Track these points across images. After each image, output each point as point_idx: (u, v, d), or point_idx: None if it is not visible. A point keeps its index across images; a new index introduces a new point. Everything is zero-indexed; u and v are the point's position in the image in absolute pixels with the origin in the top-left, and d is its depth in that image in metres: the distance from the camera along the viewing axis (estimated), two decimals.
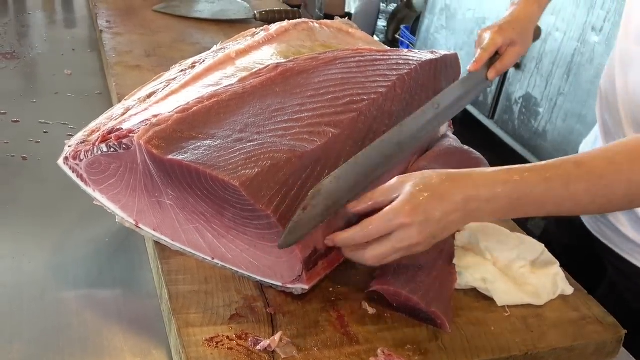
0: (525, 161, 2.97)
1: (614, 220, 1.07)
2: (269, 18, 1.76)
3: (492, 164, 0.92)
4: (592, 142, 1.21)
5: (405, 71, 1.08)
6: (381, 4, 5.02)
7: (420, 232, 0.72)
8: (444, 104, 1.04)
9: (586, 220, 1.15)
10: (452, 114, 1.09)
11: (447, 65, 1.24)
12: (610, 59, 1.10)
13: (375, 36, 4.87)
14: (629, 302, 1.06)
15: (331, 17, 1.43)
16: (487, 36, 1.14)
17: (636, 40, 0.99)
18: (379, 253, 0.74)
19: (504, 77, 3.16)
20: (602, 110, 1.12)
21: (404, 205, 0.72)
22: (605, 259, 1.14)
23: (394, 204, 0.73)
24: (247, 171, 0.75)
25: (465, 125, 3.45)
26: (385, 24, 5.12)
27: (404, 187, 0.74)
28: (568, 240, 1.19)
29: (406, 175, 0.76)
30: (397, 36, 4.53)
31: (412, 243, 0.73)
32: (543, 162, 0.76)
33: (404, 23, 4.62)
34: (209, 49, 1.17)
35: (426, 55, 1.18)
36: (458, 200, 0.73)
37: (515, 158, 3.13)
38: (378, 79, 1.04)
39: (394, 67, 1.09)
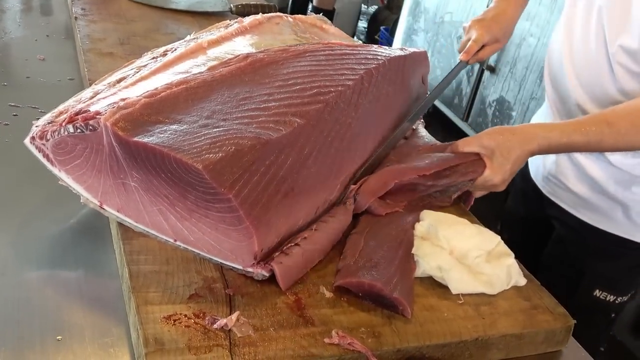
0: None
1: (563, 178, 1.26)
2: (245, 11, 1.78)
3: None
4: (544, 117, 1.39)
5: (373, 65, 1.11)
6: (362, 6, 5.05)
7: (506, 182, 1.05)
8: (439, 88, 1.34)
9: (539, 183, 1.34)
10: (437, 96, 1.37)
11: (415, 62, 1.27)
12: (555, 30, 1.29)
13: (355, 37, 4.90)
14: (572, 253, 1.24)
15: (319, 11, 1.48)
16: (475, 31, 1.34)
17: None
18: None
19: (478, 80, 3.21)
20: (553, 87, 1.28)
21: (497, 171, 1.03)
22: (553, 218, 1.32)
23: (490, 168, 1.03)
24: (211, 155, 0.77)
25: (440, 127, 3.49)
26: (366, 25, 5.16)
27: (493, 151, 1.02)
28: (523, 210, 1.42)
29: (488, 137, 1.03)
30: (376, 37, 4.57)
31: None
32: (582, 121, 1.03)
33: (385, 24, 4.65)
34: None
35: (395, 52, 1.21)
36: (532, 152, 1.02)
37: None
38: (346, 72, 1.07)
39: (363, 62, 1.11)
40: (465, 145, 1.05)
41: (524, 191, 1.40)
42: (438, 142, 1.19)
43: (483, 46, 1.35)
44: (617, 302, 1.26)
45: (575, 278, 1.10)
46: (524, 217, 1.43)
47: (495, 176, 1.03)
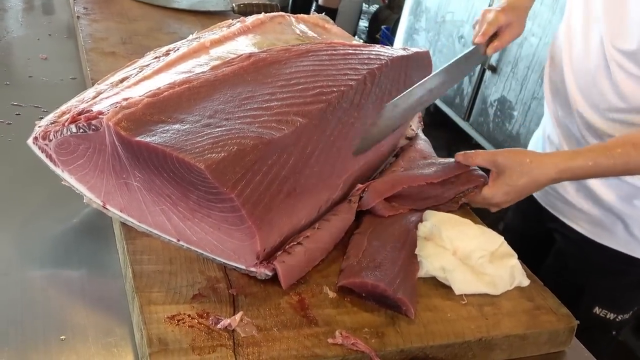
0: None
1: (562, 191, 1.23)
2: (247, 11, 1.78)
3: None
4: (541, 137, 1.35)
5: (376, 65, 1.10)
6: (363, 5, 5.05)
7: (508, 203, 1.03)
8: (451, 73, 1.22)
9: (538, 195, 1.31)
10: (453, 83, 1.26)
11: (418, 62, 1.26)
12: (552, 44, 1.28)
13: (356, 36, 4.89)
14: (573, 268, 1.21)
15: (323, 10, 1.47)
16: (490, 15, 1.28)
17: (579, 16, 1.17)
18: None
19: (480, 80, 3.21)
20: (553, 95, 1.26)
21: (499, 191, 1.01)
22: (554, 232, 1.29)
23: (493, 187, 1.02)
24: (213, 155, 0.77)
25: (441, 126, 3.49)
26: (367, 24, 5.16)
27: (503, 171, 1.01)
28: (521, 222, 1.40)
29: (503, 156, 1.02)
30: (377, 37, 4.56)
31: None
32: (606, 144, 1.01)
33: (386, 24, 4.65)
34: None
35: (398, 52, 1.21)
36: (544, 183, 1.00)
37: None
38: (349, 72, 1.06)
39: (365, 62, 1.11)
40: (477, 156, 1.05)
41: (522, 205, 1.33)
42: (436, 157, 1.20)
43: (495, 34, 1.26)
44: (617, 319, 1.23)
45: (574, 294, 1.04)
46: (522, 231, 1.41)
47: (495, 194, 1.01)
